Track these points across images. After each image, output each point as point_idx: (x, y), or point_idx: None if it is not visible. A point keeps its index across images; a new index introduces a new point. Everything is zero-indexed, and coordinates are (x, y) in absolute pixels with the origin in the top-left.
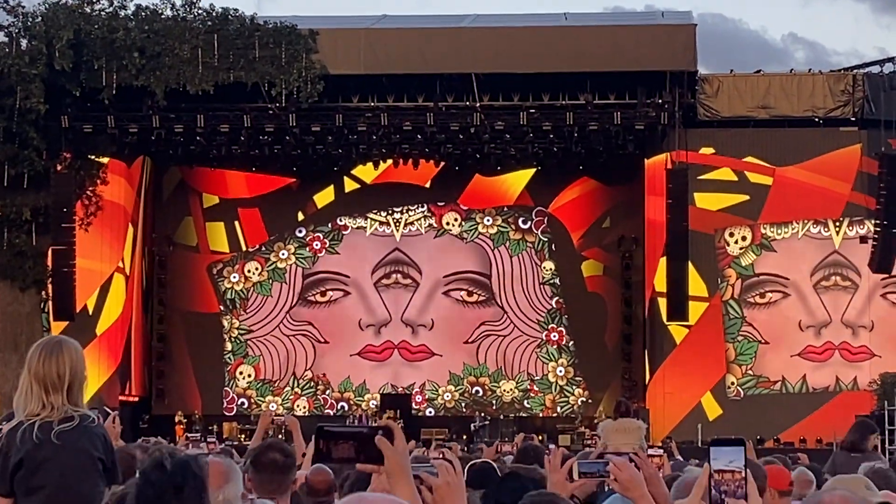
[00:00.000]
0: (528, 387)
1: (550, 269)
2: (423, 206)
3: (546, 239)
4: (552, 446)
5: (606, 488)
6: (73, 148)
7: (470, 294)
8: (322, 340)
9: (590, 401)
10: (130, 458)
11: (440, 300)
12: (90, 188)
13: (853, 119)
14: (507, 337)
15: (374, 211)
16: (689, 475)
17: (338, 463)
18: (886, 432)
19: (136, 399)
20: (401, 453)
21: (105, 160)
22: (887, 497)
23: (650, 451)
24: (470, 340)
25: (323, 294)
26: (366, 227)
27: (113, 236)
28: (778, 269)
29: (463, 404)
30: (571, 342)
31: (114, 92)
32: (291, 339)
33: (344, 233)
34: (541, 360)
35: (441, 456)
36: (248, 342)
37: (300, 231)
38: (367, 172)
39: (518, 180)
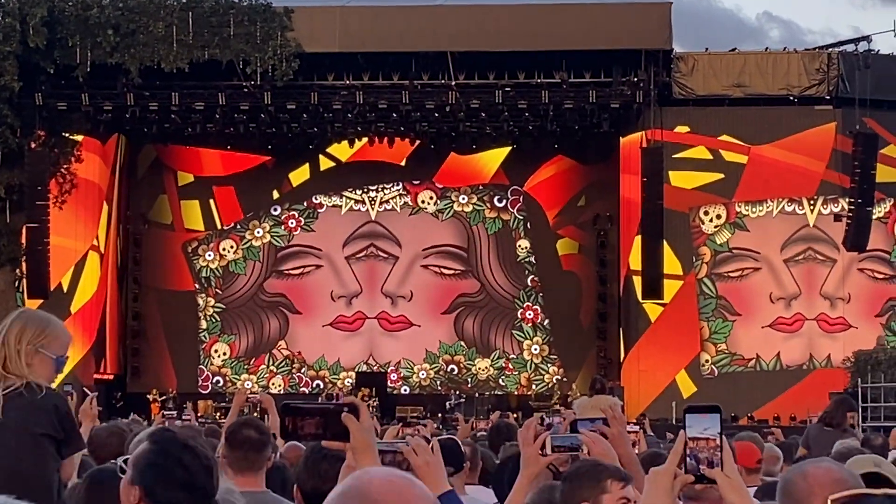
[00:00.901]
0: (504, 365)
1: (526, 248)
2: (398, 185)
3: (521, 217)
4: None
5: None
6: (47, 125)
7: (448, 267)
8: (295, 311)
9: (565, 379)
10: (120, 434)
11: (419, 272)
12: (64, 166)
13: (828, 97)
14: (483, 308)
15: (350, 189)
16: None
17: (303, 440)
18: (859, 409)
19: (111, 377)
20: (367, 430)
21: (79, 138)
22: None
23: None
24: (447, 311)
25: (296, 267)
26: (341, 206)
27: (87, 214)
28: (750, 244)
29: (438, 382)
30: (546, 320)
31: (88, 69)
32: (265, 309)
33: (319, 211)
34: (516, 338)
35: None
36: (223, 315)
37: (275, 209)
38: (342, 150)
39: (493, 159)
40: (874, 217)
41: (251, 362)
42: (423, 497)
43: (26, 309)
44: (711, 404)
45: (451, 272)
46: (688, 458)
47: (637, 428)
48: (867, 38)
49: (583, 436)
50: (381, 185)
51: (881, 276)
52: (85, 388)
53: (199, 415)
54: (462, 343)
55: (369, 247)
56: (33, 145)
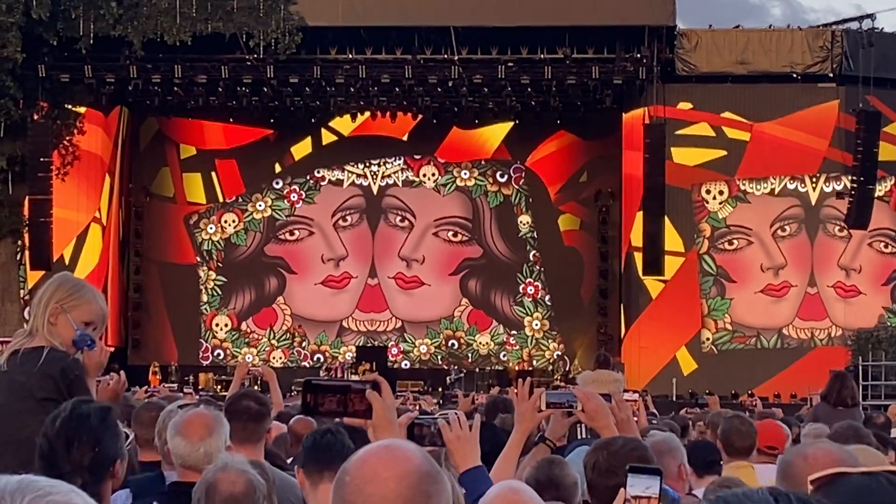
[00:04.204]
0: (504, 340)
1: (527, 223)
2: (400, 159)
3: (523, 193)
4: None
5: (580, 434)
6: (50, 97)
7: (455, 234)
8: (291, 271)
9: (565, 354)
10: (128, 409)
11: (430, 240)
12: (67, 138)
13: (831, 75)
14: (486, 271)
15: (352, 163)
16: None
17: (324, 416)
18: (860, 388)
19: (112, 349)
20: (389, 407)
21: (82, 110)
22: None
23: (626, 396)
24: (454, 273)
25: (291, 234)
26: (343, 180)
27: (90, 186)
28: (744, 220)
29: (439, 357)
30: (547, 296)
31: (91, 41)
32: (265, 270)
33: (321, 184)
34: (516, 314)
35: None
36: (224, 287)
37: (277, 183)
38: (344, 125)
39: (496, 134)
40: (876, 195)
41: (251, 335)
42: (398, 469)
43: (65, 273)
44: (653, 466)
45: (458, 240)
46: None
47: (636, 396)
48: (871, 16)
49: (577, 392)
50: (382, 160)
51: (888, 251)
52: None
53: (199, 388)
54: (461, 321)
55: (361, 216)
56: (36, 117)
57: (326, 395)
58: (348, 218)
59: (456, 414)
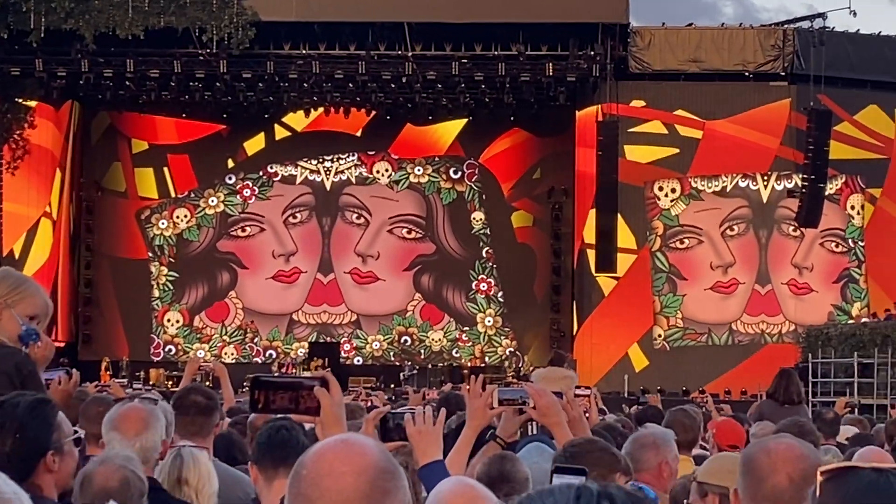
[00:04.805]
0: (457, 336)
1: (480, 220)
2: (353, 155)
3: (476, 189)
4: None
5: (531, 431)
6: (0, 91)
7: (410, 232)
8: (242, 266)
9: (518, 351)
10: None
11: (385, 237)
12: (17, 132)
13: (783, 74)
14: (438, 267)
15: (305, 159)
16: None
17: (273, 413)
18: (810, 384)
19: (63, 345)
20: (338, 404)
21: (33, 104)
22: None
23: (578, 391)
24: (408, 268)
25: (242, 230)
26: (296, 175)
27: (40, 181)
28: (695, 220)
29: (391, 353)
30: (500, 292)
31: (42, 35)
32: (218, 265)
33: (274, 180)
34: (469, 310)
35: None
36: (176, 283)
37: (230, 178)
38: (297, 120)
39: (449, 130)
40: (827, 193)
41: (203, 331)
42: (356, 464)
43: (7, 268)
44: (579, 467)
45: (412, 237)
46: None
47: (588, 392)
48: (822, 16)
49: (529, 389)
50: (336, 156)
51: (838, 251)
52: (66, 368)
53: (150, 383)
54: (415, 316)
55: (303, 211)
56: None
57: (277, 392)
58: (298, 215)
59: (423, 409)
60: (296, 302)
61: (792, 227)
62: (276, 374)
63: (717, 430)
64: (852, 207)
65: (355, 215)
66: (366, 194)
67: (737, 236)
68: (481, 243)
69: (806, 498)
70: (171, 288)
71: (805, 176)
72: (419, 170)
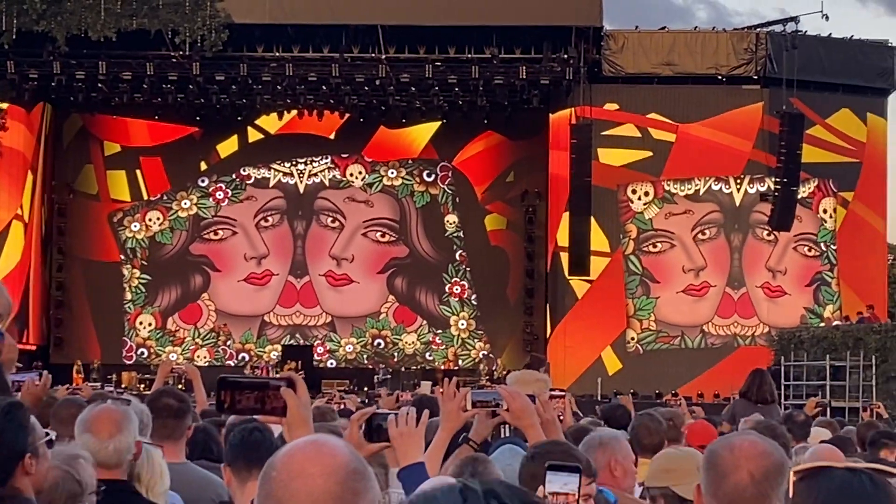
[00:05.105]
0: (430, 339)
1: (454, 223)
2: (327, 158)
3: (450, 192)
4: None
5: (503, 434)
6: None
7: (384, 235)
8: (215, 269)
9: (491, 354)
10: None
11: (360, 240)
12: None
13: (755, 77)
14: (411, 269)
15: (278, 161)
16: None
17: (239, 414)
18: (782, 387)
19: (34, 348)
20: (304, 405)
21: (4, 106)
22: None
23: (553, 392)
24: (381, 271)
25: (215, 233)
26: (269, 178)
27: (11, 183)
28: (667, 224)
29: (365, 356)
30: (474, 295)
31: (14, 37)
32: (191, 268)
33: (247, 182)
34: (442, 312)
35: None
36: (148, 285)
37: (203, 181)
38: (271, 123)
39: (423, 133)
40: (799, 197)
41: (176, 333)
42: (326, 465)
43: None
44: (573, 464)
45: (385, 240)
46: None
47: (563, 393)
48: (795, 19)
49: (503, 391)
50: (309, 158)
51: (811, 254)
52: (38, 369)
53: (123, 386)
54: (388, 318)
55: (275, 214)
56: None
57: (243, 392)
58: (269, 218)
59: (406, 410)
60: (267, 304)
61: (766, 232)
62: (241, 375)
63: (688, 431)
64: (825, 211)
65: (330, 219)
66: (340, 198)
67: (708, 240)
68: (455, 246)
69: (767, 495)
70: (144, 291)
71: (777, 179)
72: (393, 172)
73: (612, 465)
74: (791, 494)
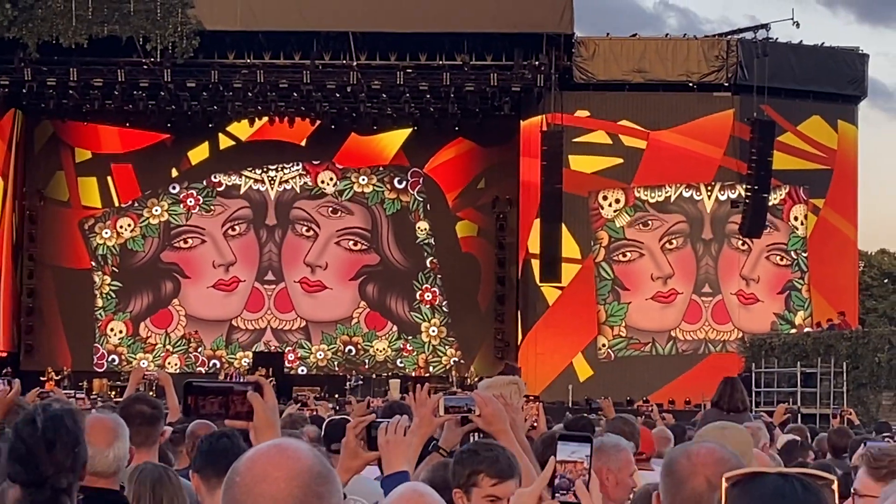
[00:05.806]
0: (401, 346)
1: (425, 230)
2: (298, 165)
3: (421, 199)
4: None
5: (472, 439)
6: None
7: (356, 244)
8: (185, 276)
9: (462, 361)
10: (17, 410)
11: (333, 248)
12: None
13: (726, 84)
14: (382, 276)
15: (249, 168)
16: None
17: (206, 418)
18: (753, 394)
19: (4, 354)
20: (271, 409)
21: None
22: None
23: (528, 395)
24: (353, 278)
25: (185, 241)
26: (240, 185)
27: None
28: (637, 235)
29: (336, 363)
30: (445, 302)
31: None
32: (161, 275)
33: (218, 189)
34: (413, 319)
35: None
36: (119, 292)
37: (174, 188)
38: (242, 129)
39: (394, 140)
40: (770, 204)
41: (147, 339)
42: (289, 468)
43: None
44: (584, 434)
45: (358, 248)
46: (557, 479)
47: (537, 401)
48: (765, 27)
49: (476, 396)
50: (280, 165)
51: (783, 263)
52: (8, 377)
53: (94, 393)
54: (360, 325)
55: (248, 226)
56: None
57: (208, 396)
58: (237, 227)
59: (398, 418)
60: (235, 309)
61: (740, 241)
62: (206, 380)
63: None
64: (795, 218)
65: (305, 228)
66: (314, 208)
67: (675, 250)
68: (426, 253)
69: None
70: (115, 297)
71: (748, 186)
72: (364, 179)
73: (603, 473)
74: (723, 500)
